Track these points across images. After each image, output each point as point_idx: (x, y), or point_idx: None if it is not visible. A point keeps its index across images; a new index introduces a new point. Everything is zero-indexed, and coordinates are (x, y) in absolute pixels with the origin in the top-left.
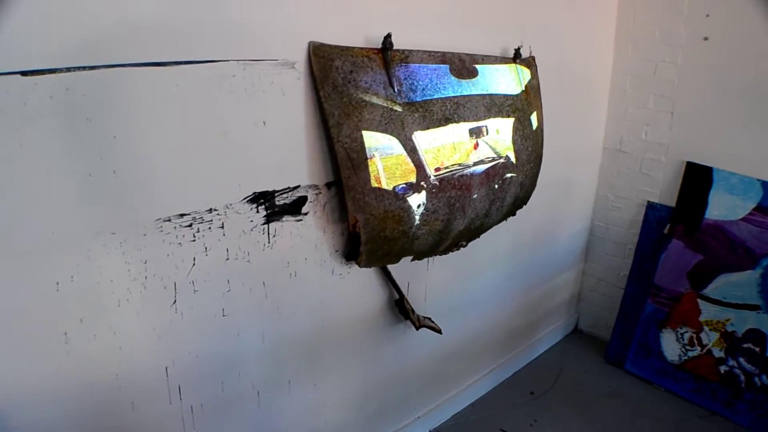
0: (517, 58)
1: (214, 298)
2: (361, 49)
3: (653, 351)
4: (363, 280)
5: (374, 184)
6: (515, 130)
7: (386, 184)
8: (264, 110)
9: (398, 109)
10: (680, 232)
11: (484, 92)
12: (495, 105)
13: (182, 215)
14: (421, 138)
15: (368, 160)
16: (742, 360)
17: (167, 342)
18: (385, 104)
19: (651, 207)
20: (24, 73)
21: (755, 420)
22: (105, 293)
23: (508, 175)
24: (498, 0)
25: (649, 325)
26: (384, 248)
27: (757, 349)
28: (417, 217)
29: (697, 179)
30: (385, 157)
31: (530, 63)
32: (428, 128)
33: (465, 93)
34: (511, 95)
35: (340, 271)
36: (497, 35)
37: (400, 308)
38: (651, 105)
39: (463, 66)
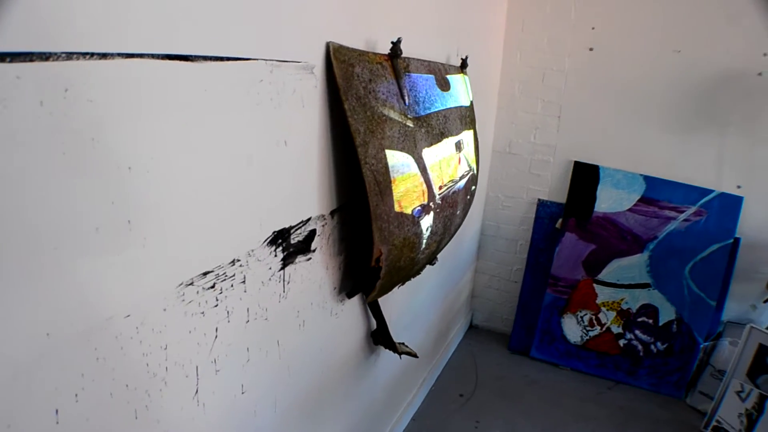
0: (464, 67)
1: (234, 375)
2: (375, 54)
3: (557, 336)
4: (351, 316)
5: (397, 209)
6: (474, 141)
7: (406, 208)
8: (287, 126)
9: (410, 124)
10: (573, 225)
11: (456, 104)
12: (463, 117)
13: (205, 274)
14: (427, 155)
15: (392, 183)
16: (638, 332)
17: None
18: (400, 119)
19: (542, 204)
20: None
21: (655, 381)
22: (119, 406)
23: (473, 187)
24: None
25: (550, 312)
26: (393, 279)
27: (651, 321)
28: (424, 242)
29: (585, 176)
30: (403, 178)
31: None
32: (432, 144)
33: (447, 106)
34: (466, 106)
35: (336, 311)
36: (442, 42)
37: (384, 337)
38: (539, 109)
39: (442, 76)
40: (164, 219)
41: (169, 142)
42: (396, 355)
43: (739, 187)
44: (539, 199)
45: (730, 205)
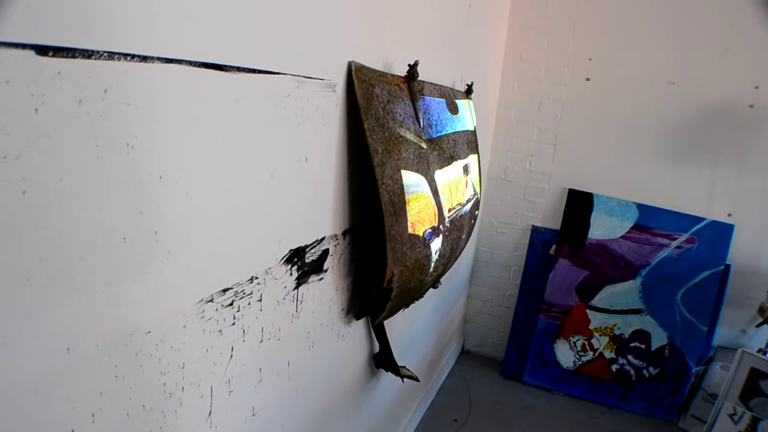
0: (469, 93)
1: (246, 396)
2: (393, 76)
3: (549, 361)
4: (356, 338)
5: (410, 231)
6: (478, 165)
7: (418, 230)
8: (308, 142)
9: (424, 146)
10: (566, 251)
11: (464, 128)
12: (470, 141)
13: (224, 291)
14: (439, 177)
15: (406, 204)
16: (630, 357)
17: None
18: (415, 141)
19: (536, 230)
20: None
21: (648, 406)
22: (135, 427)
23: (476, 212)
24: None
25: (543, 338)
26: (402, 301)
27: (643, 346)
28: (433, 264)
29: (579, 204)
30: (416, 198)
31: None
32: (443, 167)
33: (456, 129)
34: (471, 131)
35: (343, 333)
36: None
37: (387, 361)
38: (535, 137)
39: (451, 101)
40: (188, 231)
41: (199, 152)
42: (394, 379)
43: (729, 215)
44: (533, 226)
45: (721, 233)
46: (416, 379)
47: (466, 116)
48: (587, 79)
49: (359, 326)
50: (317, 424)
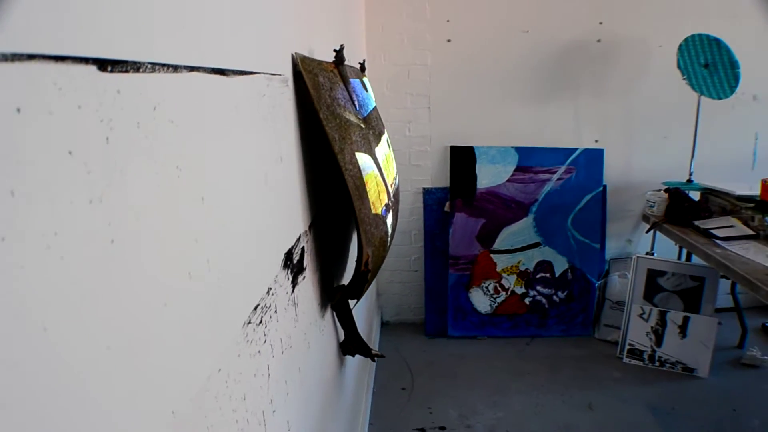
0: (363, 71)
1: (283, 412)
2: (328, 63)
3: (468, 310)
4: (328, 330)
5: (373, 211)
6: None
7: (377, 209)
8: (280, 141)
9: (363, 126)
10: (460, 205)
11: (374, 104)
12: (380, 117)
13: (255, 308)
14: (378, 154)
15: (366, 185)
16: (539, 288)
17: None
18: (357, 122)
19: (427, 192)
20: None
21: (565, 327)
22: None
23: (398, 183)
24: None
25: (456, 291)
26: (371, 281)
27: (548, 275)
28: (389, 240)
29: (462, 158)
30: (369, 178)
31: None
32: (378, 143)
33: (372, 106)
34: (376, 106)
35: (322, 327)
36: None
37: (357, 344)
38: (409, 104)
39: (362, 80)
40: (227, 252)
41: (218, 165)
42: (351, 363)
43: (596, 141)
44: (424, 188)
45: (593, 159)
46: (382, 356)
47: (371, 92)
48: (448, 41)
49: (328, 318)
50: (321, 424)
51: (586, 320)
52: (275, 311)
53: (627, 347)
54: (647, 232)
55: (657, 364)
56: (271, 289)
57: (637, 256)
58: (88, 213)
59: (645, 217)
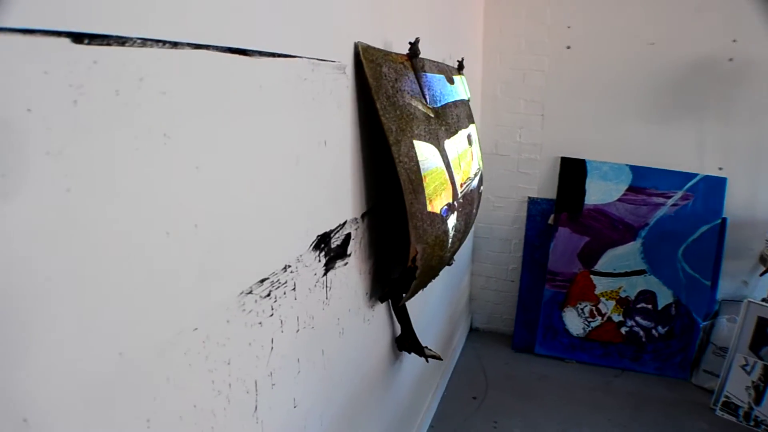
0: (461, 69)
1: (288, 388)
2: (397, 54)
3: (559, 330)
4: (380, 322)
5: (429, 209)
6: (479, 138)
7: (436, 207)
8: (326, 126)
9: (432, 115)
10: (565, 219)
11: (460, 98)
12: (468, 111)
13: (262, 281)
14: (449, 147)
15: (423, 181)
16: (638, 318)
17: None
18: (425, 112)
19: (533, 202)
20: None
21: (660, 365)
22: (187, 429)
23: (482, 186)
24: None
25: (550, 308)
26: (425, 280)
27: (650, 306)
28: (450, 240)
29: (572, 171)
30: (431, 173)
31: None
32: (450, 137)
33: (455, 98)
34: (467, 101)
35: (368, 317)
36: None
37: (411, 342)
38: (522, 109)
39: (449, 77)
40: (225, 222)
41: (229, 140)
42: (414, 361)
43: (720, 168)
44: (529, 197)
45: (714, 187)
46: (439, 358)
47: (462, 88)
48: (568, 47)
49: (381, 310)
50: (351, 411)
51: (684, 361)
52: (293, 288)
53: (723, 399)
54: (761, 275)
55: (752, 423)
56: (290, 266)
57: (749, 301)
58: (45, 163)
59: (762, 259)
